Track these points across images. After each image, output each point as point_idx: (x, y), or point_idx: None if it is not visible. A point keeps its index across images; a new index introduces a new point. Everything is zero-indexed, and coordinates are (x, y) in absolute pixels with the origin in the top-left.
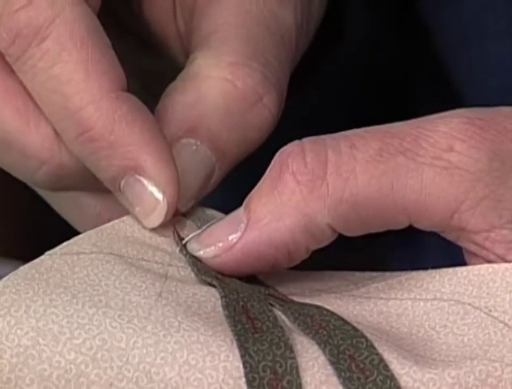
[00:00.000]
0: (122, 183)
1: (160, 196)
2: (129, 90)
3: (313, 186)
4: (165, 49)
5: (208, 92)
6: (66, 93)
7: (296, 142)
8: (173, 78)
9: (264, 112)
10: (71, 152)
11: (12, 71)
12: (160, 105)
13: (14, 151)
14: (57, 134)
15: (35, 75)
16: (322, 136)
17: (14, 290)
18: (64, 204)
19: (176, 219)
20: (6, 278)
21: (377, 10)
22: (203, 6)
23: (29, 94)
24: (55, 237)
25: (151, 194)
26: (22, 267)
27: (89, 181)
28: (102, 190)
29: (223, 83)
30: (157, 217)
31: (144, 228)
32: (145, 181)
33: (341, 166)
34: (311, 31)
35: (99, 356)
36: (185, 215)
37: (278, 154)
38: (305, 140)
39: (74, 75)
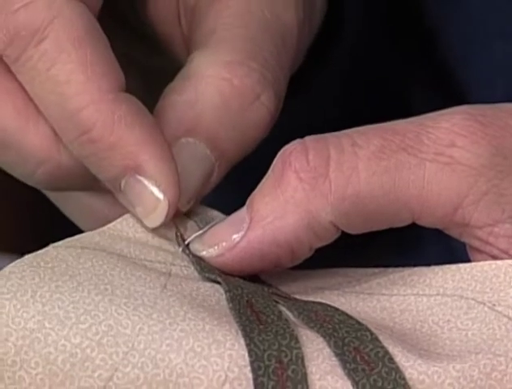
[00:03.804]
0: (123, 183)
1: (160, 196)
2: (128, 90)
3: (316, 184)
4: (170, 50)
5: (206, 91)
6: (64, 94)
7: (298, 140)
8: (174, 76)
9: (262, 110)
10: (70, 152)
11: (11, 71)
12: (158, 105)
13: (12, 151)
14: (56, 133)
15: (33, 77)
16: (324, 134)
17: (20, 276)
18: (72, 207)
19: (178, 219)
20: (11, 264)
21: (376, 11)
22: (204, 7)
23: (28, 94)
24: (58, 232)
25: (152, 193)
26: (27, 256)
27: (88, 181)
28: (101, 189)
29: (220, 81)
30: (158, 217)
31: (146, 228)
32: (146, 181)
33: (343, 163)
34: (313, 30)
35: (104, 341)
36: (188, 215)
37: (280, 152)
38: (307, 138)
39: (73, 76)
